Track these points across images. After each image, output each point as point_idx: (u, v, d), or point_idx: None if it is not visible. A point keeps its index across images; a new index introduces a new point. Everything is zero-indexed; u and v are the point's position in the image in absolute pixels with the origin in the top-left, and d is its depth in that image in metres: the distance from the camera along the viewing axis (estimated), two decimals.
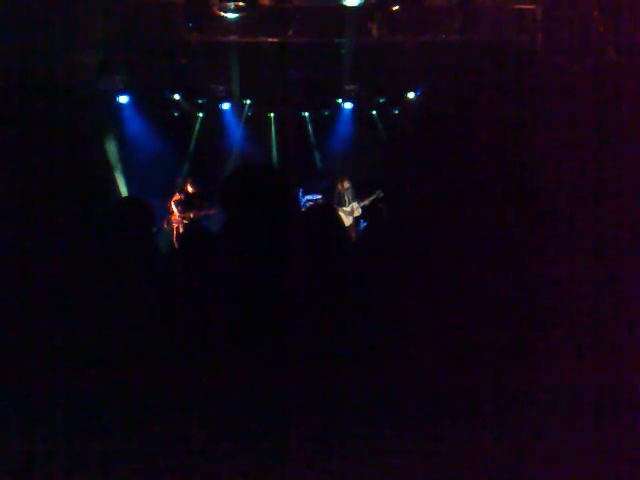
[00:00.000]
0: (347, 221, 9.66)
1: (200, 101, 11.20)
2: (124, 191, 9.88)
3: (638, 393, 1.43)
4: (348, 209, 9.93)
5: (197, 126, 11.60)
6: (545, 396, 1.45)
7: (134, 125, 10.43)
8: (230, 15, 8.43)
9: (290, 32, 8.85)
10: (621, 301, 1.46)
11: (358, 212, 10.03)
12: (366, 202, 10.05)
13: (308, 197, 10.55)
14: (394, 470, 1.52)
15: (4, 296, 1.66)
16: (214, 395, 1.68)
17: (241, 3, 8.11)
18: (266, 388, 1.67)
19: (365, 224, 9.83)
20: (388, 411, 1.54)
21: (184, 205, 9.54)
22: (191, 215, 9.49)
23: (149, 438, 1.64)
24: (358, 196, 10.16)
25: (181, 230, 9.31)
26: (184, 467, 1.62)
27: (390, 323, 1.60)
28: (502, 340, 1.45)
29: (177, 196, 9.59)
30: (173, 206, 9.56)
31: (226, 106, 11.10)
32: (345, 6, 8.22)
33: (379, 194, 9.94)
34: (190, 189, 9.64)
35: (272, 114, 11.97)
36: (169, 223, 9.52)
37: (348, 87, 10.61)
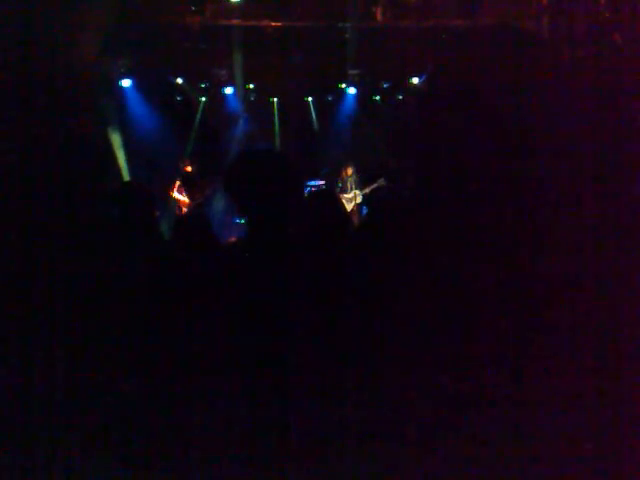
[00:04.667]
0: (348, 208, 9.66)
1: (203, 85, 11.16)
2: (126, 176, 9.86)
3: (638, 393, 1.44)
4: (349, 196, 9.92)
5: (200, 110, 11.55)
6: (545, 395, 1.46)
7: (136, 109, 10.40)
8: None
9: (293, 16, 8.79)
10: (622, 301, 1.46)
11: (359, 199, 10.01)
12: (367, 190, 10.02)
13: (310, 182, 10.53)
14: (395, 470, 1.53)
15: (4, 283, 1.66)
16: (214, 388, 1.69)
17: None
18: (266, 379, 1.68)
19: (367, 210, 9.81)
20: (388, 408, 1.55)
21: (189, 187, 9.51)
22: (198, 196, 9.46)
23: (147, 435, 1.65)
24: (361, 183, 10.13)
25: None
26: (183, 467, 1.63)
27: (391, 311, 1.60)
28: (502, 333, 1.45)
29: (178, 182, 9.56)
30: (176, 194, 9.53)
31: (229, 90, 11.04)
32: None
33: (381, 183, 9.89)
34: (189, 169, 9.60)
35: (275, 99, 11.92)
36: (180, 208, 9.51)
37: (352, 72, 10.55)
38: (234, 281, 1.87)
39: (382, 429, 1.56)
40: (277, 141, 11.85)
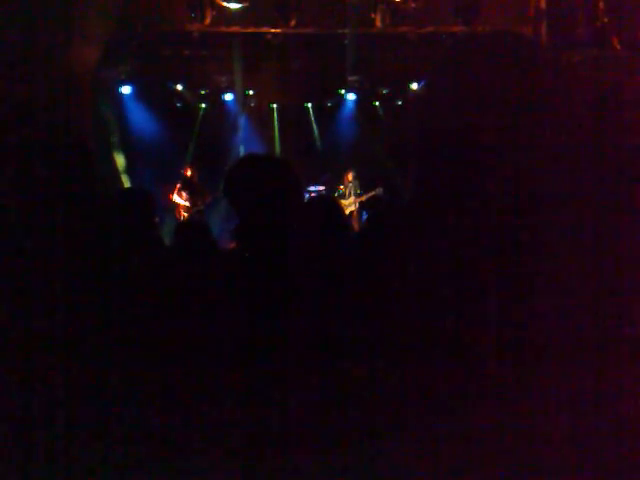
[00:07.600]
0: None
1: (203, 92, 11.20)
2: (126, 182, 9.89)
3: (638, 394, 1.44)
4: (346, 202, 9.95)
5: (200, 117, 11.57)
6: (543, 394, 1.47)
7: (136, 116, 10.43)
8: (233, 5, 8.42)
9: (293, 23, 8.83)
10: (622, 301, 1.46)
11: (353, 207, 10.03)
12: (363, 198, 10.03)
13: (310, 188, 10.55)
14: (394, 469, 1.53)
15: (3, 288, 1.66)
16: (213, 390, 1.69)
17: None
18: (265, 383, 1.69)
19: (367, 215, 9.83)
20: (388, 409, 1.55)
21: (189, 192, 9.52)
22: (199, 203, 9.48)
23: (146, 435, 1.65)
24: (361, 189, 10.15)
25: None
26: (183, 466, 1.63)
27: (391, 315, 1.61)
28: (502, 335, 1.45)
29: (178, 185, 9.58)
30: (176, 198, 9.54)
31: (229, 97, 11.07)
32: None
33: (378, 192, 9.89)
34: (189, 173, 9.61)
35: (275, 105, 11.94)
36: (179, 213, 9.53)
37: (351, 78, 10.59)
38: (233, 287, 1.88)
39: (382, 428, 1.56)
40: (277, 147, 11.87)
